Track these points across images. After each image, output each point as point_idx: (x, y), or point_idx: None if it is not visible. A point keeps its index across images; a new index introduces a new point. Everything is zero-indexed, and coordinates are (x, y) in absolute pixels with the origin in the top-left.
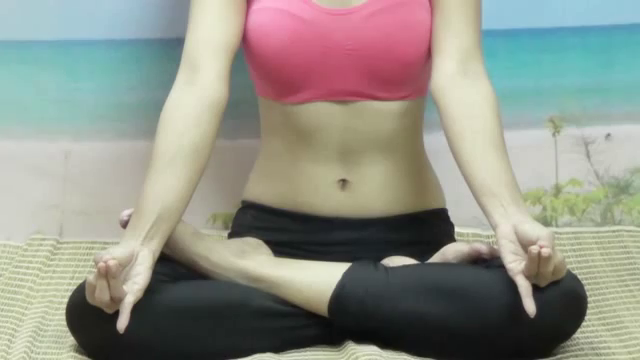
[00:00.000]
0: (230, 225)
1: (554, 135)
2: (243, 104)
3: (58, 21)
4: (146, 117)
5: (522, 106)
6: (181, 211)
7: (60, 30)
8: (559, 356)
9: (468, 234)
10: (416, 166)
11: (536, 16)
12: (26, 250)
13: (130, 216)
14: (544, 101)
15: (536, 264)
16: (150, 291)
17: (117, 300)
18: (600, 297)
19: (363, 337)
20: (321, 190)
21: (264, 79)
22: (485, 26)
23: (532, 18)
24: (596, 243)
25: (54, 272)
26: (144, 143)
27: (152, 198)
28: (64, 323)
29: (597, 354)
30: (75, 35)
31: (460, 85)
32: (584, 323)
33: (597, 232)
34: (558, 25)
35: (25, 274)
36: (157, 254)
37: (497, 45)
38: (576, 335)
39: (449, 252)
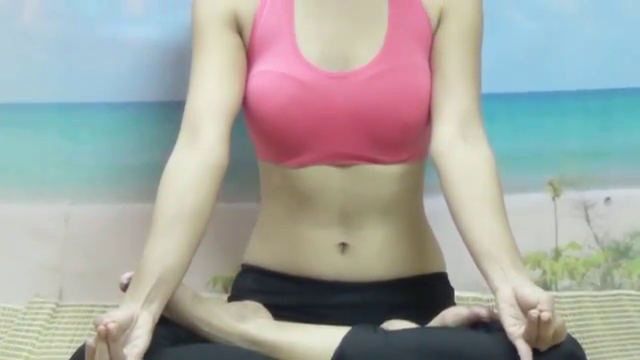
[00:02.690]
0: (230, 288)
1: (554, 199)
2: (243, 167)
3: (58, 84)
4: (146, 180)
5: (522, 169)
6: (181, 274)
7: (60, 93)
8: None
9: (468, 298)
10: (416, 230)
11: (535, 80)
12: (25, 313)
13: (130, 279)
14: (544, 164)
15: (536, 328)
16: (150, 354)
17: None
18: None
19: None
20: (321, 254)
21: (264, 142)
22: (485, 89)
23: (531, 82)
24: (596, 307)
25: (53, 335)
26: (144, 206)
27: (152, 261)
28: None
29: None
30: (75, 98)
31: (460, 149)
32: None
33: (597, 296)
34: (557, 89)
35: (24, 337)
36: (157, 317)
37: (497, 108)
38: None
39: (449, 316)
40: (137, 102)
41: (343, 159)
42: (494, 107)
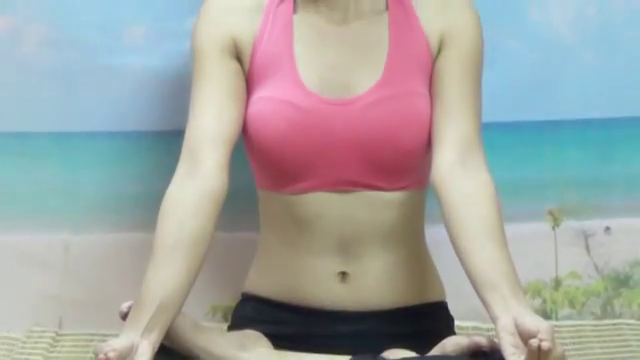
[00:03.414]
0: (230, 318)
1: (554, 228)
2: (243, 197)
3: (57, 113)
4: (146, 209)
5: (522, 199)
6: (181, 302)
7: (59, 122)
8: None
9: (468, 327)
10: (417, 258)
11: (536, 109)
12: (25, 342)
13: (130, 308)
14: (544, 194)
15: (536, 357)
16: None
17: None
18: None
19: None
20: (321, 283)
21: (263, 169)
22: (485, 119)
23: (532, 111)
24: (596, 336)
25: None
26: (144, 235)
27: (152, 289)
28: None
29: None
30: (75, 127)
31: (460, 176)
32: None
33: (597, 325)
34: (557, 118)
35: None
36: (157, 346)
37: (497, 138)
38: None
39: (449, 345)
40: (137, 131)
41: (343, 186)
42: (494, 136)
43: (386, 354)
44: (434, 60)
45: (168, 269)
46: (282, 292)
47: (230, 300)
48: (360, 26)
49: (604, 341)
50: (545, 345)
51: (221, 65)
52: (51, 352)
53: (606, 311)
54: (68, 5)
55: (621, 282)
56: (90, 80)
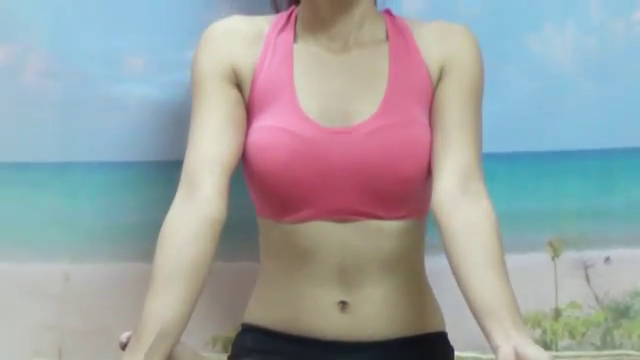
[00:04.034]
0: (230, 348)
1: (553, 258)
2: (243, 227)
3: (57, 143)
4: (145, 239)
5: (521, 229)
6: (180, 330)
7: (59, 152)
8: None
9: (468, 358)
10: (416, 288)
11: (535, 139)
12: None
13: (129, 338)
14: (543, 224)
15: None
16: None
17: None
18: None
19: None
20: (321, 313)
21: (263, 197)
22: (484, 149)
23: (531, 141)
24: None
25: None
26: (143, 265)
27: (151, 317)
28: None
29: None
30: (74, 157)
31: (460, 203)
32: None
33: (597, 356)
34: (557, 149)
35: None
36: None
37: (496, 168)
38: None
39: None
40: (137, 161)
41: (343, 214)
42: (494, 167)
43: None
44: (434, 89)
45: (167, 296)
46: (282, 322)
47: (230, 330)
48: (360, 55)
49: None
50: None
51: (221, 93)
52: None
53: (606, 342)
54: (68, 35)
55: (621, 313)
56: (90, 110)
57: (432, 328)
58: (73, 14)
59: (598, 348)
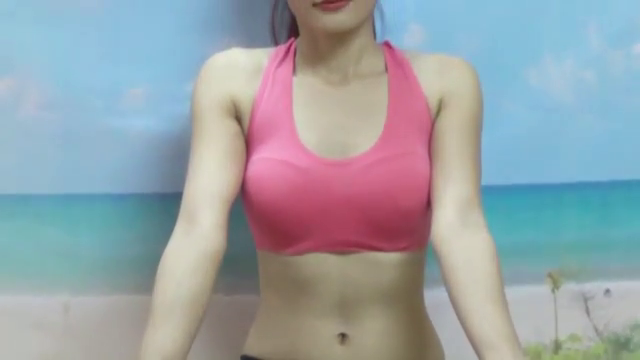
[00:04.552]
0: None
1: (553, 291)
2: (242, 260)
3: (57, 175)
4: (146, 272)
5: (521, 261)
6: None
7: (59, 184)
8: None
9: None
10: (416, 320)
11: (535, 172)
12: None
13: None
14: (543, 257)
15: None
16: None
17: None
18: None
19: None
20: (320, 345)
21: (263, 229)
22: (484, 182)
23: (531, 174)
24: None
25: None
26: (144, 297)
27: (151, 349)
28: None
29: None
30: (74, 189)
31: (460, 235)
32: None
33: None
34: (556, 181)
35: None
36: None
37: (496, 201)
38: None
39: None
40: (137, 194)
41: (342, 246)
42: (493, 199)
43: None
44: (433, 121)
45: (167, 328)
46: (281, 354)
47: None
48: (359, 87)
49: None
50: None
51: (221, 126)
52: None
53: None
54: (68, 67)
55: (621, 345)
56: (90, 142)
57: None
58: (73, 46)
59: None
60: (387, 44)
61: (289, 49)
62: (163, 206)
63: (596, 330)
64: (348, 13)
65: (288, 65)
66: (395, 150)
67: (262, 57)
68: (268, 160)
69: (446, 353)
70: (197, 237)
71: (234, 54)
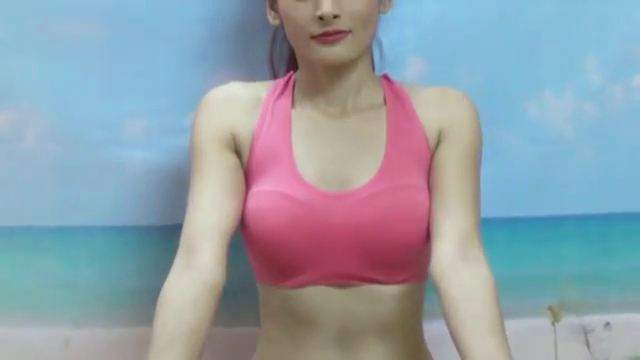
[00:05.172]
0: None
1: (553, 324)
2: (242, 293)
3: (57, 207)
4: (146, 304)
5: (521, 295)
6: None
7: (59, 216)
8: None
9: None
10: (415, 353)
11: (534, 204)
12: None
13: None
14: (543, 290)
15: None
16: None
17: None
18: None
19: None
20: None
21: (263, 262)
22: (483, 214)
23: (530, 206)
24: None
25: None
26: (144, 330)
27: None
28: None
29: None
30: (74, 221)
31: (459, 269)
32: None
33: None
34: (556, 213)
35: None
36: None
37: (496, 233)
38: None
39: None
40: (136, 226)
41: (342, 279)
42: (493, 232)
43: None
44: (432, 154)
45: None
46: None
47: None
48: (358, 120)
49: None
50: None
51: (220, 159)
52: None
53: None
54: (68, 99)
55: None
56: (90, 174)
57: None
58: (73, 79)
59: None
60: (386, 77)
61: (288, 82)
62: (163, 238)
63: None
64: (346, 45)
65: (287, 98)
66: (394, 182)
67: (261, 90)
68: (267, 193)
69: None
70: (197, 270)
71: (233, 88)
